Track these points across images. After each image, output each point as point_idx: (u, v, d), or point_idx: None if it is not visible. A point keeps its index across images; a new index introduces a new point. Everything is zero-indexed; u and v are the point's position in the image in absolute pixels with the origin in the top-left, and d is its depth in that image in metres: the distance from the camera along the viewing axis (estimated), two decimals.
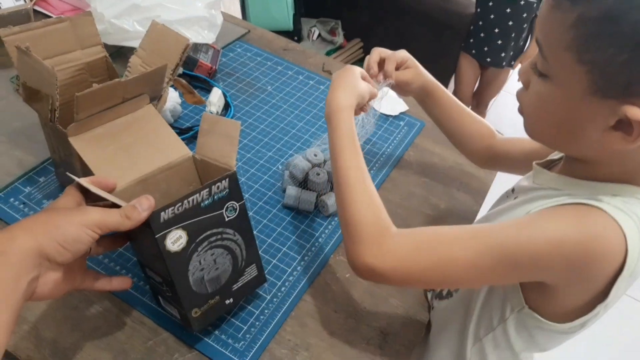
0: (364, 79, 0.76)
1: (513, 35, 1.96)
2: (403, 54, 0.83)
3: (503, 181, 0.91)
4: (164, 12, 1.02)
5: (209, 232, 0.61)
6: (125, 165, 0.64)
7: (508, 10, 1.89)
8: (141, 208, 0.54)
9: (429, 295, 0.82)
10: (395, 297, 0.77)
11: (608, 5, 0.45)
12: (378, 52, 0.82)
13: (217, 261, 0.63)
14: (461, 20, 2.03)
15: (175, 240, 0.57)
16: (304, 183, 0.86)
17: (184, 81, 0.93)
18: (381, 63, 0.82)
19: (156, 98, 0.72)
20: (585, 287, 0.54)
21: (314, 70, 1.19)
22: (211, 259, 0.62)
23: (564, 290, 0.56)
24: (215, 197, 0.60)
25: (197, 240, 0.60)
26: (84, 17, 0.73)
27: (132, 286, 0.68)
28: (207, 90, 1.06)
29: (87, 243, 0.51)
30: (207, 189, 0.59)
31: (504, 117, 2.51)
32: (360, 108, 0.76)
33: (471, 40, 2.05)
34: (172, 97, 0.97)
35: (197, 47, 1.09)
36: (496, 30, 1.96)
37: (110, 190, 0.58)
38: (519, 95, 0.59)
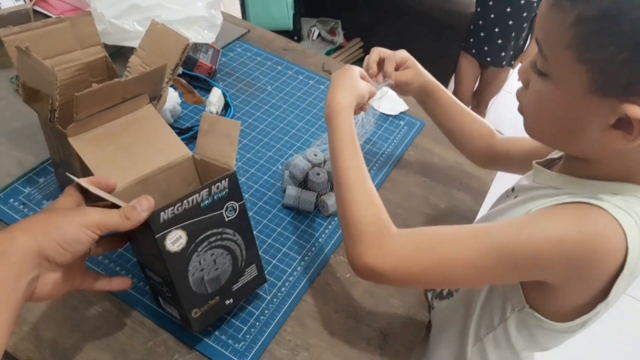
0: (363, 78, 0.76)
1: (513, 34, 1.96)
2: (402, 54, 0.83)
3: (503, 181, 0.91)
4: (164, 12, 1.02)
5: (208, 232, 0.61)
6: (125, 166, 0.64)
7: (508, 9, 1.89)
8: (141, 208, 0.54)
9: (429, 295, 0.82)
10: (396, 297, 0.77)
11: (607, 4, 0.45)
12: (377, 52, 0.82)
13: (217, 261, 0.63)
14: (461, 20, 2.02)
15: (175, 240, 0.57)
16: (304, 183, 0.86)
17: (183, 81, 0.93)
18: (380, 63, 0.82)
19: (156, 98, 0.72)
20: (585, 286, 0.54)
21: (313, 70, 1.19)
22: (211, 259, 0.62)
23: (565, 290, 0.56)
24: (215, 197, 0.60)
25: (197, 240, 0.59)
26: (83, 17, 0.73)
27: (132, 287, 0.67)
28: (207, 90, 1.06)
29: (87, 244, 0.51)
30: (206, 189, 0.59)
31: (504, 116, 2.51)
32: (360, 107, 0.76)
33: (471, 40, 2.05)
34: (172, 97, 0.97)
35: (196, 47, 1.09)
36: (496, 30, 1.96)
37: (110, 191, 0.58)
38: (519, 95, 0.59)
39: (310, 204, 0.85)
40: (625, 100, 0.47)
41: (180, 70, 1.04)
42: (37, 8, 1.14)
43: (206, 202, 0.59)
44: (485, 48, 2.02)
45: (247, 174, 0.91)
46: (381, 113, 1.09)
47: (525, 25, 1.95)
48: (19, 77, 0.68)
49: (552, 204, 0.56)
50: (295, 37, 2.30)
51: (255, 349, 0.67)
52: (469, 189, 0.96)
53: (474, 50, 2.06)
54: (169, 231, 0.57)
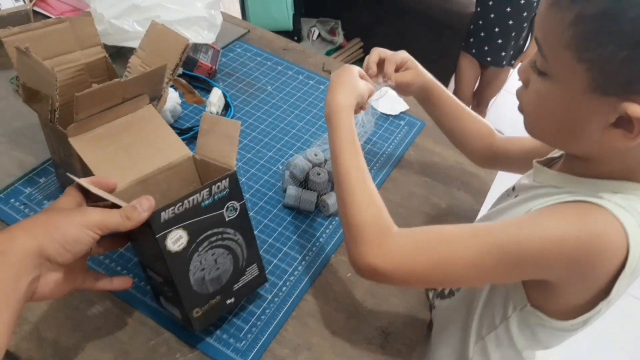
0: (362, 77, 0.76)
1: (513, 34, 1.96)
2: (403, 54, 0.83)
3: (504, 180, 0.91)
4: (164, 12, 1.02)
5: (209, 232, 0.61)
6: (125, 166, 0.64)
7: (508, 9, 1.89)
8: (141, 208, 0.54)
9: (431, 294, 0.82)
10: (397, 296, 0.77)
11: (607, 3, 0.45)
12: (377, 53, 0.82)
13: (218, 261, 0.63)
14: (461, 20, 2.03)
15: (176, 240, 0.57)
16: (304, 183, 0.86)
17: (183, 81, 0.93)
18: (381, 63, 0.82)
19: (156, 98, 0.72)
20: (587, 284, 0.54)
21: (314, 70, 1.19)
22: (212, 258, 0.62)
23: (566, 288, 0.56)
24: (216, 197, 0.60)
25: (198, 240, 0.60)
26: (83, 18, 0.73)
27: (133, 286, 0.68)
28: (207, 90, 1.06)
29: (88, 244, 0.51)
30: (207, 189, 0.59)
31: (504, 116, 2.51)
32: (360, 107, 0.76)
33: (471, 40, 2.05)
34: (172, 98, 0.97)
35: (196, 47, 1.09)
36: (496, 30, 1.96)
37: (111, 191, 0.58)
38: (519, 94, 0.59)
39: (311, 204, 0.85)
40: (625, 99, 0.47)
41: (180, 70, 1.04)
42: (36, 9, 1.14)
43: (207, 201, 0.60)
44: (486, 48, 2.02)
45: (248, 174, 0.91)
46: (381, 113, 1.09)
47: (525, 25, 1.95)
48: (19, 77, 0.68)
49: (553, 202, 0.56)
50: (295, 37, 2.30)
51: (256, 348, 0.67)
52: (469, 189, 0.96)
53: (474, 50, 2.06)
54: (170, 231, 0.57)
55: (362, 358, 0.69)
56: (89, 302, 0.69)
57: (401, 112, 1.10)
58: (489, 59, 2.05)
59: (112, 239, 0.60)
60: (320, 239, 0.82)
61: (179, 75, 1.03)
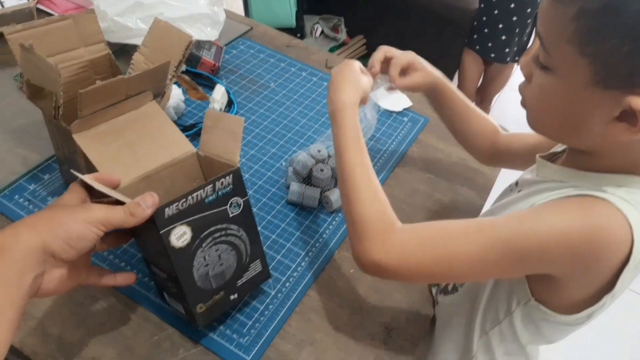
0: (362, 72, 0.76)
1: (517, 30, 1.95)
2: (409, 56, 0.82)
3: (507, 176, 0.91)
4: (167, 9, 1.02)
5: (213, 228, 0.61)
6: (129, 162, 0.64)
7: (512, 5, 1.88)
8: (145, 205, 0.54)
9: (434, 290, 0.82)
10: (400, 292, 0.77)
11: None
12: (383, 51, 0.81)
13: (221, 257, 0.63)
14: (464, 16, 2.02)
15: (180, 236, 0.58)
16: (307, 179, 0.86)
17: (187, 77, 0.93)
18: (386, 62, 0.81)
19: (159, 95, 0.72)
20: (591, 278, 0.54)
21: (317, 67, 1.19)
22: (215, 254, 0.62)
23: (570, 282, 0.56)
24: (219, 193, 0.60)
25: (202, 236, 0.60)
26: (87, 15, 0.73)
27: (137, 282, 0.68)
28: (210, 87, 1.06)
29: (92, 240, 0.51)
30: (211, 185, 0.59)
31: (508, 112, 2.51)
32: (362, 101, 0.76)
33: (475, 36, 2.04)
34: (176, 94, 0.98)
35: (200, 44, 1.09)
36: (500, 26, 1.95)
37: (114, 187, 0.58)
38: (522, 89, 0.59)
39: (314, 200, 0.85)
40: (628, 92, 0.47)
41: (183, 67, 1.04)
42: (40, 6, 1.15)
43: (210, 198, 0.60)
44: (489, 44, 2.02)
45: (251, 171, 0.92)
46: (385, 109, 1.09)
47: (529, 21, 1.94)
48: (23, 74, 0.68)
49: (557, 197, 0.56)
50: (298, 34, 2.30)
51: (260, 344, 0.67)
52: (473, 185, 0.96)
53: (477, 47, 2.06)
54: (174, 227, 0.57)
55: (365, 354, 0.69)
56: (93, 298, 0.70)
57: (404, 109, 1.10)
58: (492, 55, 2.04)
59: (115, 235, 0.61)
60: (324, 235, 0.83)
61: (182, 72, 1.03)
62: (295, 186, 0.85)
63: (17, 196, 0.80)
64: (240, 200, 0.63)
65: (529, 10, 1.90)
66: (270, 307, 0.72)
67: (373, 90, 0.79)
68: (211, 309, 0.64)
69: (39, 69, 0.64)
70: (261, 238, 0.68)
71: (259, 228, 0.72)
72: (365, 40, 2.44)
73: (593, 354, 1.74)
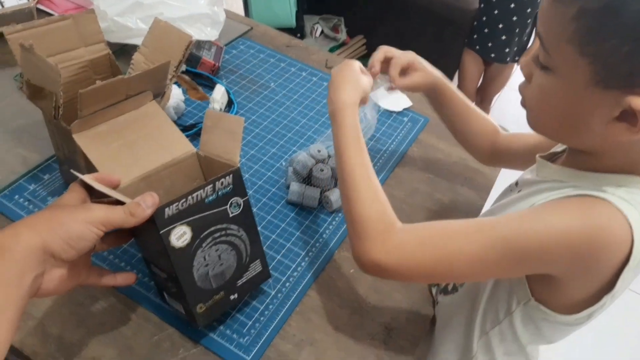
0: (362, 72, 0.76)
1: (517, 30, 1.95)
2: (410, 56, 0.82)
3: (507, 177, 0.91)
4: (167, 9, 1.02)
5: (213, 228, 0.61)
6: (129, 162, 0.64)
7: (512, 5, 1.88)
8: (145, 205, 0.54)
9: (434, 290, 0.82)
10: (400, 292, 0.77)
11: None
12: (384, 52, 0.81)
13: (221, 257, 0.63)
14: (464, 16, 2.02)
15: (180, 236, 0.58)
16: (307, 179, 0.86)
17: (187, 77, 0.93)
18: (386, 62, 0.81)
19: (159, 95, 0.72)
20: (591, 278, 0.54)
21: (317, 67, 1.19)
22: (215, 254, 0.62)
23: (570, 282, 0.56)
24: (219, 193, 0.60)
25: (202, 236, 0.60)
26: (87, 15, 0.73)
27: (137, 282, 0.68)
28: (210, 87, 1.06)
29: (92, 240, 0.51)
30: (211, 185, 0.59)
31: (508, 112, 2.51)
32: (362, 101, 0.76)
33: (475, 36, 2.04)
34: (176, 94, 0.98)
35: (200, 44, 1.09)
36: (500, 26, 1.95)
37: (114, 187, 0.58)
38: (522, 89, 0.59)
39: (314, 200, 0.85)
40: (628, 92, 0.47)
41: (183, 67, 1.04)
42: (40, 6, 1.15)
43: (210, 198, 0.60)
44: (489, 44, 2.02)
45: (251, 171, 0.92)
46: (385, 109, 1.09)
47: (529, 21, 1.94)
48: (23, 74, 0.68)
49: (556, 197, 0.56)
50: (298, 35, 2.30)
51: (260, 344, 0.67)
52: (473, 185, 0.96)
53: (477, 47, 2.06)
54: (174, 227, 0.57)
55: (365, 354, 0.69)
56: (93, 298, 0.70)
57: (404, 109, 1.10)
58: (492, 55, 2.04)
59: (115, 235, 0.60)
60: (324, 235, 0.83)
61: (182, 72, 1.03)
62: (295, 186, 0.85)
63: (17, 196, 0.80)
64: (240, 200, 0.63)
65: (529, 10, 1.90)
66: (270, 307, 0.72)
67: (373, 91, 0.79)
68: (211, 309, 0.64)
69: (39, 69, 0.64)
70: (261, 238, 0.68)
71: (259, 228, 0.72)
72: (365, 40, 2.45)
73: (593, 354, 1.74)
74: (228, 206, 0.62)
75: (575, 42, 0.48)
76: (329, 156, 0.89)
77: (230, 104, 1.03)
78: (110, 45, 0.78)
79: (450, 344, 0.76)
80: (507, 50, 2.00)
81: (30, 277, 0.47)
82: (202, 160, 0.68)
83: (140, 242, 0.64)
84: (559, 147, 0.67)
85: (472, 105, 0.86)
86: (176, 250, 0.57)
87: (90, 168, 0.62)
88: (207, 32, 1.08)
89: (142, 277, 0.72)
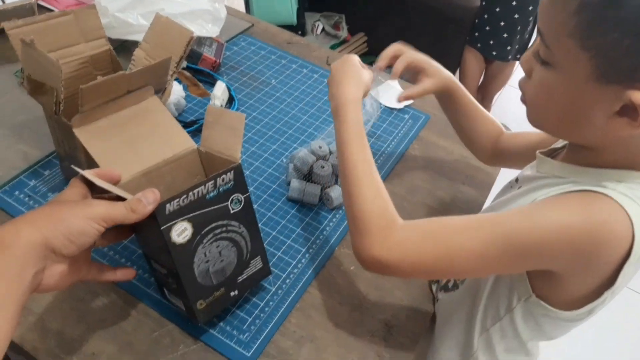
0: (362, 67, 0.76)
1: (519, 28, 1.95)
2: (422, 59, 0.81)
3: (508, 174, 0.91)
4: (168, 5, 1.02)
5: (214, 225, 0.61)
6: (130, 158, 0.64)
7: (514, 2, 1.88)
8: (146, 201, 0.54)
9: (434, 287, 0.82)
10: (400, 289, 0.77)
11: None
12: (396, 49, 0.81)
13: (222, 253, 0.63)
14: (466, 14, 2.01)
15: (181, 232, 0.58)
16: (308, 176, 0.86)
17: (188, 73, 0.93)
18: (396, 59, 0.81)
19: (160, 91, 0.72)
20: (592, 274, 0.54)
21: (318, 64, 1.18)
22: (216, 251, 0.62)
23: (571, 278, 0.56)
24: (221, 189, 0.60)
25: (203, 232, 0.60)
26: (87, 10, 0.73)
27: (137, 278, 0.68)
28: (211, 83, 1.06)
29: (93, 236, 0.51)
30: (212, 181, 0.59)
31: (509, 111, 2.50)
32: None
33: (476, 34, 2.04)
34: (176, 91, 0.98)
35: (201, 40, 1.09)
36: (502, 24, 1.95)
37: (115, 182, 0.58)
38: (522, 84, 0.59)
39: (314, 197, 0.85)
40: (629, 87, 0.47)
41: (184, 63, 1.04)
42: (41, 2, 1.15)
43: (211, 194, 0.60)
44: (491, 42, 2.01)
45: (252, 167, 0.91)
46: (386, 106, 1.09)
47: (530, 18, 1.94)
48: (24, 70, 0.68)
49: (557, 192, 0.56)
50: (299, 32, 2.29)
51: (260, 340, 0.67)
52: (474, 182, 0.96)
53: (479, 44, 2.05)
54: (175, 223, 0.57)
55: (365, 350, 0.69)
56: (94, 293, 0.70)
57: (405, 106, 1.10)
58: (494, 53, 2.04)
59: (116, 231, 0.60)
60: (324, 232, 0.83)
61: (183, 69, 1.03)
62: (295, 183, 0.85)
63: (17, 192, 0.80)
64: (241, 197, 0.63)
65: (530, 7, 1.89)
66: (271, 303, 0.72)
67: (373, 87, 0.79)
68: (211, 305, 0.64)
69: (39, 64, 0.64)
70: (261, 234, 0.68)
71: (259, 225, 0.72)
72: (367, 37, 2.44)
73: (593, 350, 1.74)
74: (229, 202, 0.62)
75: (576, 36, 0.48)
76: (330, 153, 0.89)
77: (231, 100, 1.03)
78: (111, 41, 0.78)
79: (450, 341, 0.76)
80: (508, 48, 2.00)
81: (30, 273, 0.47)
82: (203, 156, 0.68)
83: (140, 238, 0.64)
84: (559, 143, 0.67)
85: (480, 106, 0.86)
86: (177, 246, 0.57)
87: (91, 163, 0.62)
88: (208, 29, 1.08)
89: (143, 273, 0.72)
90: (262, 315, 0.70)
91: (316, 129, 1.01)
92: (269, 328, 0.69)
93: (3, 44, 0.77)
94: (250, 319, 0.70)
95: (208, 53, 1.08)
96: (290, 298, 0.73)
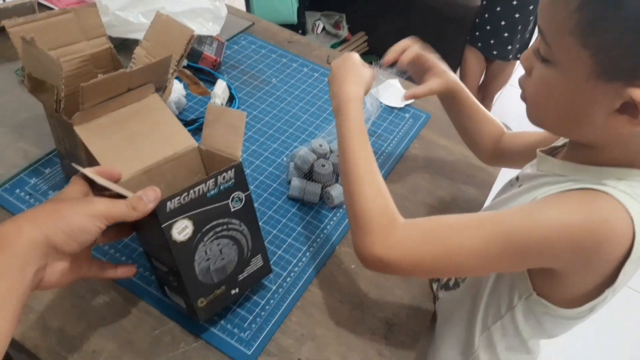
0: (363, 65, 0.76)
1: (520, 27, 1.94)
2: (431, 58, 0.81)
3: (509, 174, 0.91)
4: (168, 3, 1.02)
5: (214, 223, 0.61)
6: (130, 156, 0.64)
7: (515, 2, 1.88)
8: (147, 199, 0.54)
9: (435, 286, 0.82)
10: (401, 287, 0.77)
11: None
12: (405, 44, 0.80)
13: (223, 251, 0.63)
14: (466, 13, 2.01)
15: (181, 230, 0.58)
16: (308, 174, 0.86)
17: (188, 72, 0.93)
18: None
19: (161, 89, 0.72)
20: (592, 272, 0.54)
21: (318, 63, 1.18)
22: (217, 249, 0.62)
23: (572, 276, 0.55)
24: (221, 187, 0.60)
25: (203, 230, 0.60)
26: (88, 9, 0.74)
27: (138, 276, 0.68)
28: (212, 82, 1.06)
29: (94, 233, 0.51)
30: (212, 179, 0.59)
31: (509, 110, 2.49)
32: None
33: (477, 34, 2.03)
34: (177, 89, 0.97)
35: (201, 39, 1.09)
36: (502, 23, 1.94)
37: (116, 180, 0.58)
38: (522, 82, 0.59)
39: (315, 196, 0.85)
40: (630, 84, 0.47)
41: (185, 62, 1.04)
42: (41, 1, 1.14)
43: (212, 192, 0.60)
44: (492, 41, 2.01)
45: (252, 166, 0.91)
46: (386, 105, 1.09)
47: (531, 18, 1.94)
48: (25, 67, 0.68)
49: (558, 191, 0.56)
50: (300, 31, 2.29)
51: (260, 338, 0.67)
52: (475, 182, 0.96)
53: (479, 44, 2.05)
54: (175, 221, 0.57)
55: (366, 349, 0.69)
56: (95, 291, 0.70)
57: (406, 105, 1.10)
58: (495, 52, 2.04)
59: (117, 228, 0.60)
60: (325, 231, 0.83)
61: (184, 67, 1.03)
62: (296, 181, 0.85)
63: (18, 190, 0.80)
64: (242, 195, 0.63)
65: (531, 7, 1.89)
66: (272, 302, 0.72)
67: (374, 86, 0.79)
68: (212, 303, 0.64)
69: (40, 62, 0.64)
70: (262, 233, 0.68)
71: (260, 223, 0.72)
72: (367, 37, 2.44)
73: (594, 349, 1.74)
74: (230, 200, 0.62)
75: (576, 34, 0.48)
76: (331, 151, 0.89)
77: (231, 99, 1.03)
78: (112, 40, 0.78)
79: (451, 340, 0.76)
80: (509, 47, 2.00)
81: (32, 270, 0.47)
82: (203, 154, 0.68)
83: (141, 235, 0.64)
84: (559, 142, 0.67)
85: (482, 107, 0.86)
86: (178, 244, 0.57)
87: (92, 161, 0.62)
88: (208, 27, 1.08)
89: (143, 271, 0.72)
90: (262, 313, 0.70)
91: (317, 128, 1.01)
92: (269, 326, 0.69)
93: (3, 43, 0.77)
94: (251, 317, 0.70)
95: (208, 52, 1.08)
96: (291, 296, 0.73)
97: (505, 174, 0.98)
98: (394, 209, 0.62)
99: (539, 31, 0.53)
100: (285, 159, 0.93)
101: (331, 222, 0.84)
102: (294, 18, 2.17)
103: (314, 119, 1.03)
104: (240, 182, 0.62)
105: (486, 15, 1.96)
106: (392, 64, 0.81)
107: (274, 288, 0.73)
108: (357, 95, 0.71)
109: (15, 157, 0.85)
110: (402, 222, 0.61)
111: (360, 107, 0.70)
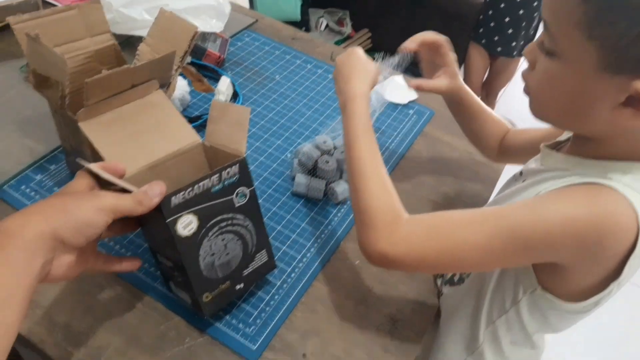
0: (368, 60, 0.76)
1: (524, 24, 1.94)
2: (450, 56, 0.81)
3: (513, 170, 0.91)
4: (172, 0, 1.02)
5: (219, 218, 0.61)
6: (135, 151, 0.64)
7: None
8: (152, 193, 0.54)
9: (439, 281, 0.82)
10: (405, 283, 0.77)
11: None
12: (427, 36, 0.80)
13: (227, 246, 0.63)
14: (470, 10, 2.01)
15: (186, 225, 0.58)
16: (313, 171, 0.86)
17: (192, 69, 0.93)
18: (423, 45, 0.80)
19: (165, 85, 0.72)
20: (597, 266, 0.54)
21: (322, 59, 1.18)
22: (222, 244, 0.62)
23: (577, 270, 0.55)
24: (226, 182, 0.61)
25: (208, 225, 0.60)
26: (92, 5, 0.73)
27: (143, 271, 0.68)
28: (216, 79, 1.06)
29: (101, 227, 0.52)
30: (217, 175, 0.59)
31: (513, 107, 2.49)
32: None
33: (481, 30, 2.03)
34: (181, 86, 0.98)
35: (205, 36, 1.09)
36: (507, 20, 1.94)
37: (120, 176, 0.58)
38: (525, 76, 0.59)
39: (319, 192, 0.85)
40: (635, 78, 0.47)
41: (189, 59, 1.04)
42: None
43: (217, 187, 0.60)
44: (496, 38, 2.00)
45: (257, 162, 0.92)
46: (390, 102, 1.08)
47: (535, 14, 1.93)
48: (29, 64, 0.68)
49: (562, 185, 0.56)
50: (303, 28, 2.29)
51: (265, 333, 0.68)
52: (479, 178, 0.96)
53: (483, 41, 2.05)
54: (180, 215, 0.57)
55: (370, 344, 0.69)
56: (100, 286, 0.70)
57: (410, 101, 1.10)
58: (499, 49, 2.03)
59: (122, 223, 0.60)
60: (329, 227, 0.83)
61: (188, 64, 1.03)
62: (300, 178, 0.85)
63: (23, 186, 0.81)
64: (247, 190, 0.63)
65: (535, 3, 1.89)
66: (276, 297, 0.72)
67: (379, 82, 0.79)
68: (217, 298, 0.64)
69: (45, 58, 0.64)
70: (267, 229, 0.68)
71: (264, 219, 0.72)
72: (370, 34, 2.44)
73: (598, 344, 1.74)
74: (234, 196, 0.62)
75: (583, 26, 0.48)
76: (335, 147, 0.89)
77: (235, 96, 1.03)
78: (116, 37, 0.78)
79: (456, 335, 0.76)
80: (513, 44, 1.99)
81: (39, 264, 0.47)
82: (207, 150, 0.68)
83: (146, 231, 0.64)
84: (563, 136, 0.67)
85: (487, 108, 0.86)
86: (182, 239, 0.58)
87: (96, 157, 0.62)
88: (212, 24, 1.08)
89: (148, 267, 0.73)
90: (267, 308, 0.70)
91: (320, 124, 1.01)
92: (274, 321, 0.69)
93: (8, 39, 0.77)
94: (255, 313, 0.70)
95: (212, 48, 1.08)
96: (296, 292, 0.73)
97: (510, 170, 0.97)
98: (399, 206, 0.62)
99: (544, 24, 0.53)
100: (289, 156, 0.93)
101: (335, 218, 0.84)
102: (297, 15, 2.17)
103: (317, 115, 1.03)
104: (245, 177, 0.62)
105: (490, 12, 1.96)
106: (397, 61, 0.81)
107: (278, 283, 0.73)
108: (363, 91, 0.71)
109: (21, 153, 0.85)
110: (407, 218, 0.61)
111: (366, 103, 0.70)
